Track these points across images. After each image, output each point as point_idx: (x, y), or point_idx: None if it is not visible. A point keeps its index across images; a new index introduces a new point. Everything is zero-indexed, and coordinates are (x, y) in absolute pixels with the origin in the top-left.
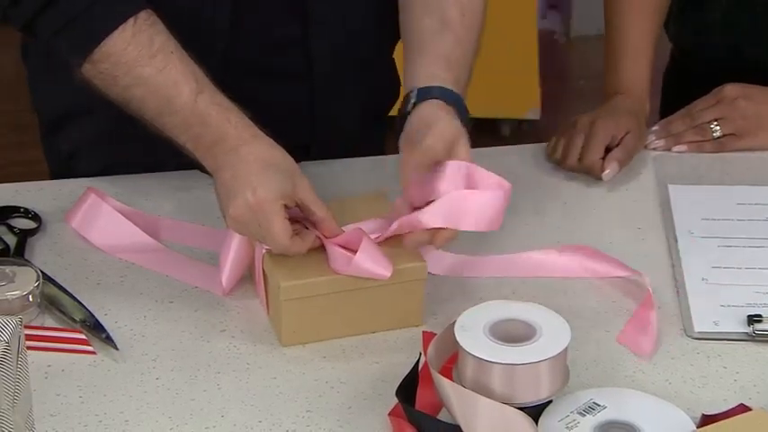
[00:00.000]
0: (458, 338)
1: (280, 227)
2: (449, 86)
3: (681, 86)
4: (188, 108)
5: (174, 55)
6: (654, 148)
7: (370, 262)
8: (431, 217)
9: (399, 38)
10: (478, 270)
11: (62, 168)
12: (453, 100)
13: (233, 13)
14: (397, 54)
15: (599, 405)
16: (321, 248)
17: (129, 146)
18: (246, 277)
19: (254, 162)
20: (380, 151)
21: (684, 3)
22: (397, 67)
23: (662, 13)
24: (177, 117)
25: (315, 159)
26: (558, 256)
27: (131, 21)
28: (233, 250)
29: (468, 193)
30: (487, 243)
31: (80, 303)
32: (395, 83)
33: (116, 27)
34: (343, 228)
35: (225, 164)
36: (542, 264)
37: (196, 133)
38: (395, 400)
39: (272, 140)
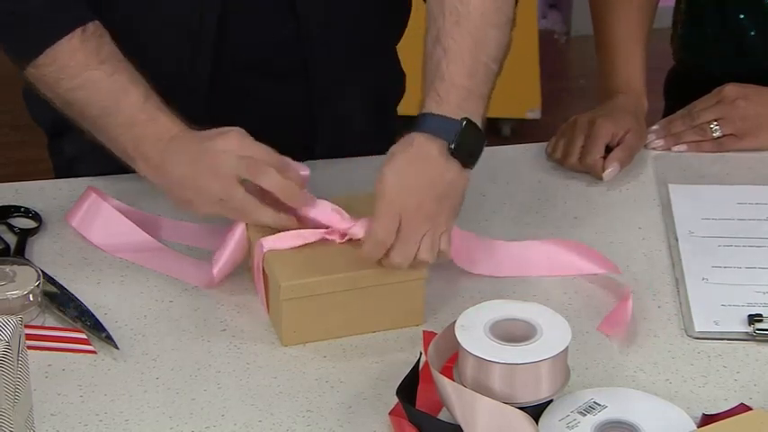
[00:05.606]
0: (458, 338)
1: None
2: (428, 111)
3: (684, 89)
4: (137, 106)
5: (122, 63)
6: (654, 148)
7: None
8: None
9: (401, 33)
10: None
11: (65, 173)
12: (422, 125)
13: (222, 15)
14: (402, 48)
15: (599, 405)
16: (321, 248)
17: None
18: (246, 277)
19: (202, 136)
20: None
21: (680, 21)
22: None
23: (649, 8)
24: (122, 115)
25: (321, 159)
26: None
27: (79, 31)
28: (231, 245)
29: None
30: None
31: (80, 303)
32: (399, 77)
33: (62, 37)
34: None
35: (173, 150)
36: (525, 261)
37: (140, 131)
38: (395, 400)
39: None
